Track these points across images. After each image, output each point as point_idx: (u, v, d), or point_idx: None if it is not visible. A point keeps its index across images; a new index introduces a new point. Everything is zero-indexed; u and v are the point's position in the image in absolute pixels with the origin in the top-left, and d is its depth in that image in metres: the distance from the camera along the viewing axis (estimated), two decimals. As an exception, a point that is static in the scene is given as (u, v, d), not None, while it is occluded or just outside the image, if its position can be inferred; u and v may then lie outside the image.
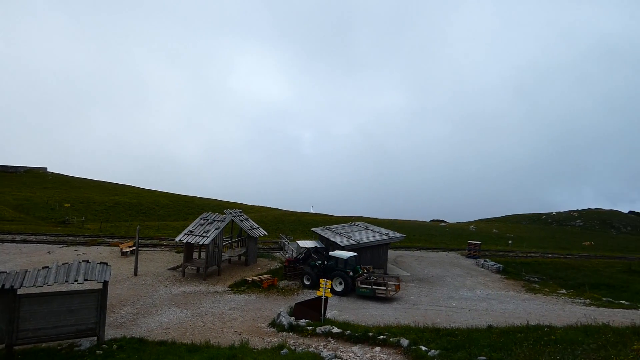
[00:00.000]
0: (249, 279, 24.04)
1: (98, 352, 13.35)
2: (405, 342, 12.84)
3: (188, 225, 27.19)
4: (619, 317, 18.62)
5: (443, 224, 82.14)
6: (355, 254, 24.62)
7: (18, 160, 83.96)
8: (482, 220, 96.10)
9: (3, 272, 12.98)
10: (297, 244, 32.25)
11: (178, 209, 68.48)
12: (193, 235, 24.96)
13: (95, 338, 14.07)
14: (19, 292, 12.99)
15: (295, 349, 12.40)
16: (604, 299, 25.36)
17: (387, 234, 30.06)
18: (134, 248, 28.65)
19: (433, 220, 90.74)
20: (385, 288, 21.99)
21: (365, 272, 24.73)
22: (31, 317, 13.02)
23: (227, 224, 28.13)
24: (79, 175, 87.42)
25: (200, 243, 24.25)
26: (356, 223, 37.73)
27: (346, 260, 23.39)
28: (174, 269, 26.21)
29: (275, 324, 16.13)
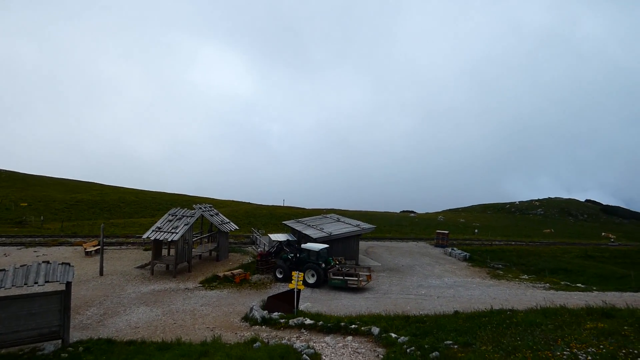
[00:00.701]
0: (221, 274, 23.83)
1: (63, 355, 12.91)
2: (376, 330, 13.17)
3: (156, 222, 26.58)
4: (575, 299, 19.80)
5: (412, 214, 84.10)
6: (327, 245, 24.87)
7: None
8: (449, 210, 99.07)
9: (-46, 277, 12.29)
10: (269, 237, 32.18)
11: (145, 206, 66.62)
12: (161, 231, 24.42)
13: (60, 341, 13.59)
14: (-26, 296, 12.36)
15: (268, 342, 12.47)
16: (562, 282, 26.86)
17: (358, 225, 30.50)
18: (99, 247, 27.71)
19: (403, 211, 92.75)
20: (356, 279, 22.38)
21: (337, 264, 25.04)
22: (-11, 322, 12.42)
23: (197, 220, 27.68)
24: (34, 172, 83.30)
25: (170, 240, 23.78)
26: (328, 215, 38.03)
27: (318, 252, 23.59)
28: (142, 267, 25.60)
29: (248, 318, 16.12)
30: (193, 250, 26.63)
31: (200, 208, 28.12)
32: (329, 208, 75.31)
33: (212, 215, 28.84)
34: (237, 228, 32.48)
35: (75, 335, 14.43)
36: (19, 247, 29.23)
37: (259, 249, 31.14)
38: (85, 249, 28.34)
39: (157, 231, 24.50)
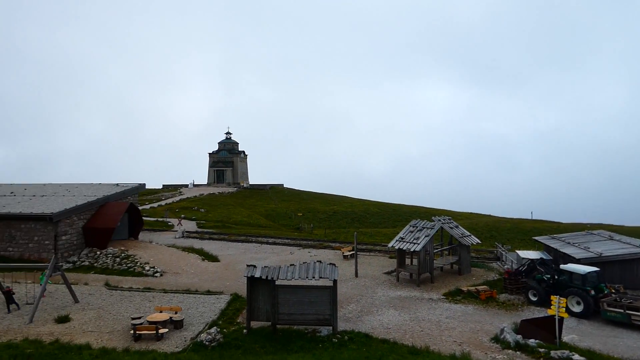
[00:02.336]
0: (464, 288, 23.08)
1: (334, 339, 15.38)
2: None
3: (398, 232, 28.25)
4: None
5: None
6: (596, 269, 20.42)
7: (265, 180, 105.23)
8: None
9: (266, 267, 16.61)
10: (517, 254, 29.04)
11: (387, 217, 71.92)
12: (404, 241, 25.77)
13: (331, 328, 16.24)
14: (276, 283, 16.33)
15: (525, 370, 11.23)
16: None
17: (642, 246, 23.70)
18: (353, 252, 31.65)
19: None
20: (644, 314, 17.35)
21: (613, 293, 20.15)
22: (285, 304, 16.15)
23: (437, 232, 27.85)
24: (305, 188, 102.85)
25: (412, 250, 24.82)
26: (595, 232, 31.20)
27: (584, 276, 19.64)
28: (389, 273, 27.63)
29: (499, 340, 14.97)
30: (434, 261, 26.88)
31: (439, 220, 28.21)
32: (594, 223, 61.67)
33: (451, 228, 28.44)
34: (479, 242, 30.79)
35: (340, 325, 16.91)
36: (298, 248, 36.71)
37: (506, 266, 28.50)
38: (343, 252, 32.92)
39: (400, 241, 26.02)
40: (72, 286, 20.22)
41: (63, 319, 17.24)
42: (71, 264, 27.96)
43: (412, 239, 25.67)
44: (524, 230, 56.04)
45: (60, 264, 24.35)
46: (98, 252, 29.38)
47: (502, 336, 14.99)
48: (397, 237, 26.66)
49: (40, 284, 18.97)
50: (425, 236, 25.45)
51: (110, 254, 29.13)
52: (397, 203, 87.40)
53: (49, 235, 28.42)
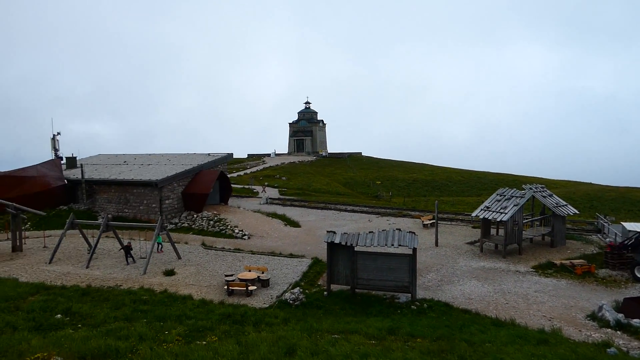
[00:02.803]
0: (557, 262, 21.36)
1: (412, 307, 15.45)
2: None
3: (483, 201, 26.77)
4: None
5: None
6: None
7: (343, 148, 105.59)
8: None
9: (345, 234, 17.02)
10: (623, 226, 25.82)
11: (471, 185, 68.28)
12: (490, 211, 24.40)
13: (410, 295, 16.31)
14: (355, 249, 16.70)
15: (627, 352, 10.26)
16: None
17: None
18: (434, 221, 30.84)
19: None
20: None
21: None
22: (364, 269, 16.52)
23: (527, 201, 25.83)
24: (383, 156, 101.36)
25: (498, 219, 23.44)
26: None
27: None
28: (472, 243, 26.57)
29: (596, 317, 13.78)
30: (523, 232, 25.13)
31: (530, 188, 26.05)
32: None
33: (544, 197, 26.13)
34: (577, 212, 27.96)
35: (419, 293, 16.88)
36: (377, 216, 36.81)
37: (608, 239, 25.61)
38: (422, 221, 32.28)
39: (485, 210, 24.67)
40: (175, 244, 22.86)
41: (169, 273, 19.70)
42: (173, 225, 31.43)
43: (498, 208, 24.21)
44: (632, 200, 49.42)
45: (166, 224, 27.52)
46: (195, 215, 32.55)
47: (600, 314, 13.76)
48: (482, 206, 25.33)
49: (158, 242, 22.79)
50: (514, 205, 23.80)
51: (205, 217, 32.10)
52: (481, 171, 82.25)
53: (156, 199, 32.14)
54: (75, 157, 41.62)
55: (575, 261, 21.13)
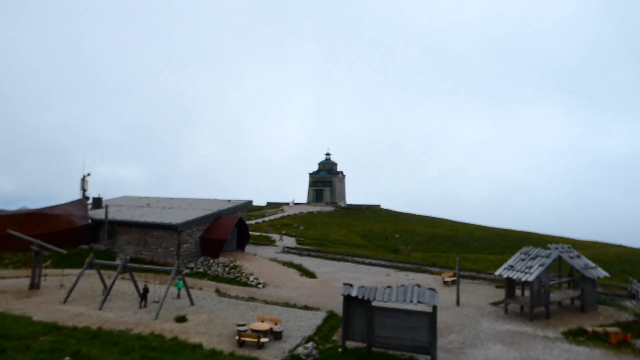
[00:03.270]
0: (589, 328, 19.90)
1: (432, 370, 14.44)
2: None
3: (507, 260, 25.75)
4: None
5: None
6: None
7: (362, 200, 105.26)
8: None
9: (363, 287, 16.49)
10: (660, 294, 24.17)
11: (493, 242, 66.21)
12: (514, 270, 23.38)
13: (429, 357, 15.33)
14: (372, 304, 16.06)
15: None
16: None
17: None
18: (455, 278, 29.68)
19: None
20: None
21: None
22: (381, 326, 15.76)
23: (554, 261, 24.68)
24: (402, 210, 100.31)
25: (523, 280, 22.35)
26: None
27: None
28: (496, 304, 25.23)
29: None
30: (551, 294, 23.78)
31: (557, 248, 25.01)
32: None
33: (572, 258, 24.95)
34: (608, 275, 26.44)
35: (440, 356, 15.86)
36: (395, 270, 35.74)
37: (644, 307, 23.89)
38: (443, 278, 31.08)
39: (509, 269, 23.67)
40: (189, 290, 22.57)
41: (181, 319, 19.28)
42: (189, 270, 31.25)
43: (523, 268, 23.19)
44: (669, 266, 46.58)
45: (182, 269, 27.42)
46: (211, 261, 32.38)
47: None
48: (505, 265, 24.34)
49: (177, 288, 23.02)
50: (540, 265, 22.78)
51: (221, 263, 31.87)
52: (504, 228, 79.99)
53: (174, 242, 32.32)
54: (101, 198, 42.90)
55: (609, 329, 19.64)
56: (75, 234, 35.30)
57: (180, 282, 22.75)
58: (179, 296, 23.02)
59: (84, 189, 42.14)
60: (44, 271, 26.81)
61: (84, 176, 42.73)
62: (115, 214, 36.82)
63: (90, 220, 36.82)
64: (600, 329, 19.65)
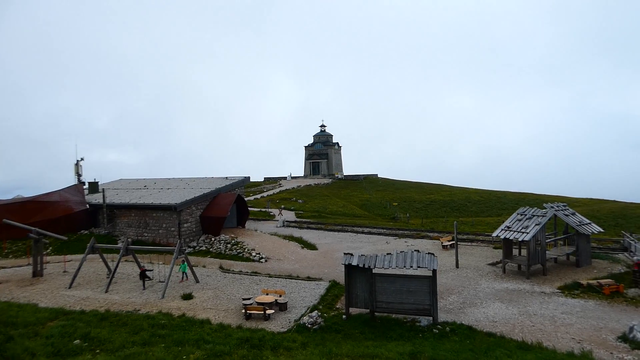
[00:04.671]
0: (584, 282, 20.56)
1: (434, 330, 15.02)
2: None
3: (504, 221, 26.21)
4: None
5: None
6: None
7: (359, 170, 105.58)
8: None
9: (363, 256, 16.83)
10: (653, 245, 24.83)
11: (490, 205, 67.03)
12: (511, 230, 23.84)
13: (431, 318, 15.86)
14: (373, 271, 16.45)
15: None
16: None
17: None
18: (453, 242, 30.27)
19: None
20: None
21: None
22: (383, 292, 16.21)
23: (550, 220, 25.17)
24: (398, 178, 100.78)
25: (520, 239, 22.85)
26: None
27: None
28: (493, 264, 25.88)
29: (627, 339, 13.14)
30: (547, 252, 24.39)
31: (552, 207, 25.42)
32: None
33: (567, 215, 25.42)
34: (602, 230, 27.06)
35: (441, 317, 16.41)
36: (394, 237, 36.32)
37: (636, 258, 24.59)
38: (442, 242, 31.67)
39: (506, 230, 24.14)
40: (193, 268, 22.94)
41: (187, 297, 19.72)
42: (191, 249, 31.65)
43: (520, 228, 23.66)
44: (662, 218, 47.54)
45: (184, 248, 27.73)
46: (213, 239, 32.75)
47: (631, 335, 13.12)
48: (502, 226, 24.82)
49: (183, 272, 22.99)
50: (536, 224, 23.23)
51: (222, 240, 32.25)
52: (500, 190, 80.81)
53: (174, 222, 32.56)
54: (97, 182, 42.77)
55: (603, 281, 20.31)
56: (74, 220, 35.42)
57: (184, 265, 22.90)
58: (182, 279, 23.01)
59: (78, 174, 41.95)
60: (45, 258, 27.06)
61: (77, 161, 42.43)
62: (113, 198, 36.85)
63: (88, 206, 36.87)
64: (594, 282, 20.31)
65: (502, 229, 24.45)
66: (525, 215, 24.87)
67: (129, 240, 26.99)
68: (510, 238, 23.53)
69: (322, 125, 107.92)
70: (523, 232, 23.04)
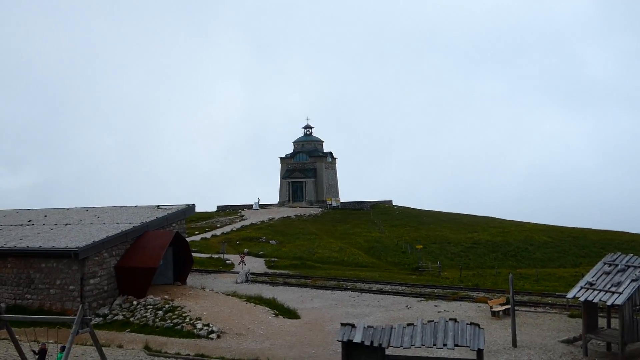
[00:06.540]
0: None
1: None
2: None
3: (584, 275, 26.43)
4: None
5: None
6: None
7: (363, 195, 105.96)
8: None
9: (371, 327, 16.70)
10: None
11: (563, 249, 67.79)
12: (594, 289, 24.00)
13: None
14: (386, 353, 16.27)
15: None
16: None
17: None
18: (508, 307, 30.24)
19: None
20: None
21: None
22: (401, 386, 15.99)
23: (654, 273, 25.41)
24: (424, 207, 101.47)
25: (609, 303, 22.97)
26: None
27: None
28: (569, 341, 25.90)
29: None
30: (652, 322, 24.52)
31: (657, 253, 25.74)
32: None
33: (680, 266, 25.71)
34: None
35: None
36: (419, 299, 36.30)
37: None
38: (491, 307, 31.69)
39: (587, 288, 24.28)
40: (104, 349, 22.38)
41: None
42: (101, 318, 31.05)
43: (609, 285, 23.82)
44: None
45: (89, 317, 27.14)
46: (135, 303, 32.22)
47: None
48: (582, 282, 25.00)
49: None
50: (632, 280, 23.40)
51: (150, 304, 31.74)
52: (578, 227, 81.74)
53: (74, 277, 31.97)
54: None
55: None
56: None
57: (60, 355, 21.43)
58: None
59: None
60: None
61: None
62: (-23, 238, 36.18)
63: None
64: None
65: (581, 287, 24.56)
66: (617, 265, 25.07)
67: (2, 306, 26.38)
68: (595, 300, 23.62)
69: (308, 127, 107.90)
70: (613, 292, 23.15)
